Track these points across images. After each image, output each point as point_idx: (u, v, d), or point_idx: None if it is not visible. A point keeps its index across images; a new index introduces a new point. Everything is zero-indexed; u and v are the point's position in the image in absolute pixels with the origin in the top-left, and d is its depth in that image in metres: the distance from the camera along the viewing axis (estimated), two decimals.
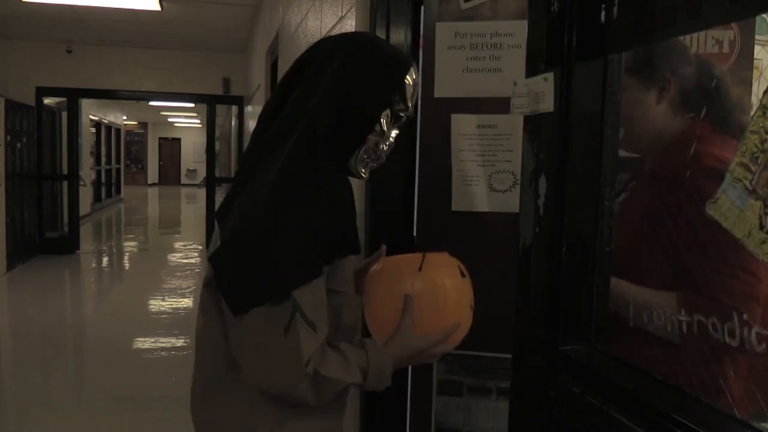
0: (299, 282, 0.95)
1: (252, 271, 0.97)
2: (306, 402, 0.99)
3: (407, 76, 1.10)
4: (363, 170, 1.13)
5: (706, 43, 1.35)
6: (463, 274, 1.16)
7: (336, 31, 2.24)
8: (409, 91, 1.11)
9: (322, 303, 0.99)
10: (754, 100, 1.21)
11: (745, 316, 0.93)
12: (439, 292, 1.11)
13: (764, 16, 1.33)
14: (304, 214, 0.98)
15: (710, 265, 1.05)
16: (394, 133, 1.14)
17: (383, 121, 1.10)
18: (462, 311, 1.13)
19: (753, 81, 1.34)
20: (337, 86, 1.05)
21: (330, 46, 1.11)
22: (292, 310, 0.94)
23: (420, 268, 1.12)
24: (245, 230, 0.99)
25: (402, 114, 1.13)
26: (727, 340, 0.90)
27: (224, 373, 1.06)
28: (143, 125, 22.80)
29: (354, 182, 1.12)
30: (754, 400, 1.04)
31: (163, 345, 4.42)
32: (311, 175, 1.01)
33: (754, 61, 1.39)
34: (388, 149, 1.14)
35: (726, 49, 1.35)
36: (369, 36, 1.13)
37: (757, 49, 1.42)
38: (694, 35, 1.33)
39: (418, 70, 1.16)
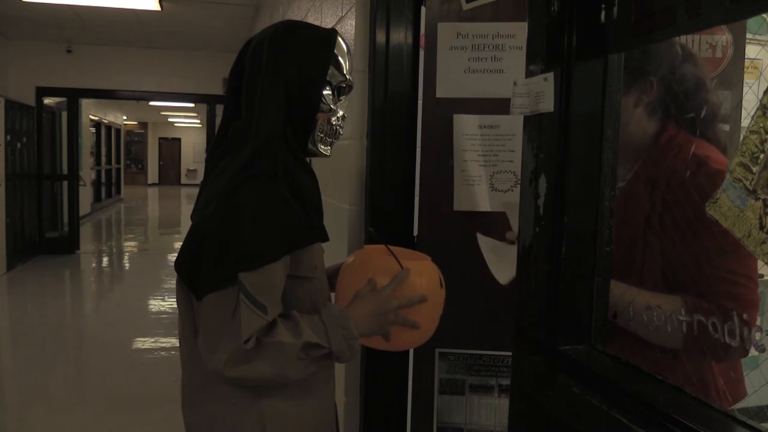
0: (245, 267, 0.99)
1: (204, 260, 1.01)
2: (266, 374, 1.01)
3: (336, 48, 1.14)
4: (323, 148, 1.17)
5: (700, 47, 1.36)
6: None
7: None
8: (342, 61, 1.15)
9: (275, 287, 1.03)
10: (753, 98, 1.20)
11: (745, 316, 0.94)
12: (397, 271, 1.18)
13: (764, 16, 1.33)
14: (257, 203, 1.01)
15: (712, 270, 1.05)
16: (341, 105, 1.18)
17: (327, 97, 1.13)
18: (427, 289, 1.19)
19: (752, 82, 1.34)
20: (274, 75, 1.09)
21: (256, 41, 1.14)
22: (238, 293, 0.98)
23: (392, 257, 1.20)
24: (201, 223, 1.06)
25: (343, 85, 1.16)
26: (727, 339, 0.91)
27: (204, 368, 1.07)
28: (143, 125, 22.79)
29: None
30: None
31: (163, 345, 4.42)
32: (267, 165, 1.05)
33: (754, 61, 1.40)
34: (341, 122, 1.18)
35: (719, 53, 1.36)
36: (290, 21, 1.16)
37: (757, 49, 1.42)
38: (690, 38, 1.34)
39: (344, 40, 1.20)
